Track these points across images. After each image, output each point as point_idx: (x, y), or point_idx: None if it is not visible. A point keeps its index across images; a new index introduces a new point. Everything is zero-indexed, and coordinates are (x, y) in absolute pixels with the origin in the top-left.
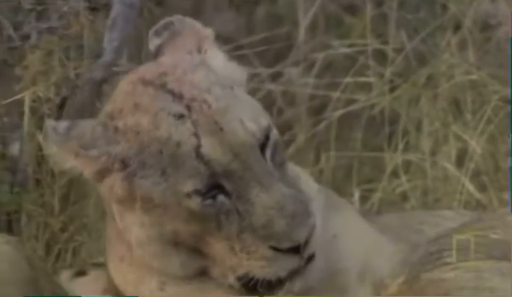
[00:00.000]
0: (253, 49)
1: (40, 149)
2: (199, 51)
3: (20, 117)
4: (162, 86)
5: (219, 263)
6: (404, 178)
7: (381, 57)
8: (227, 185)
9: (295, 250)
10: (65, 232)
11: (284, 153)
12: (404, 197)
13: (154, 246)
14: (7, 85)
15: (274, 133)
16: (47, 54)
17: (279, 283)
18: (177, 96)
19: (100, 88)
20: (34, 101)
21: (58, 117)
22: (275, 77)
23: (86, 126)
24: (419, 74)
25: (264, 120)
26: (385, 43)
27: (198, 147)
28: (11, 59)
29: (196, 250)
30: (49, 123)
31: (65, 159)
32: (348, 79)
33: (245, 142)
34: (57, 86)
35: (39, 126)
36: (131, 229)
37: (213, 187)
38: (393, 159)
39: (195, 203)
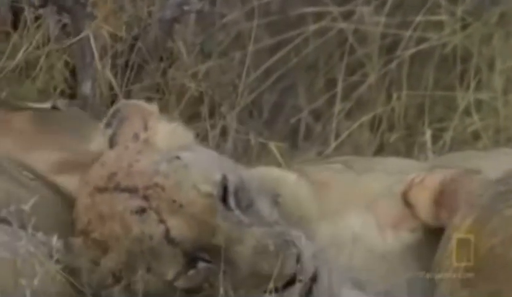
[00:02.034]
0: None
1: (111, 88)
2: (145, 129)
3: (92, 56)
4: (116, 188)
5: None
6: (476, 117)
7: None
8: (204, 255)
9: (291, 282)
10: None
11: (248, 191)
12: (476, 136)
13: None
14: (79, 23)
15: (232, 179)
16: None
17: None
18: (133, 191)
19: (171, 27)
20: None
21: (129, 57)
22: (347, 16)
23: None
24: (491, 12)
25: (217, 173)
26: None
27: (167, 232)
28: None
29: None
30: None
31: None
32: (420, 18)
33: (205, 208)
34: (128, 26)
35: (112, 65)
36: None
37: (192, 261)
38: (465, 98)
39: (182, 284)
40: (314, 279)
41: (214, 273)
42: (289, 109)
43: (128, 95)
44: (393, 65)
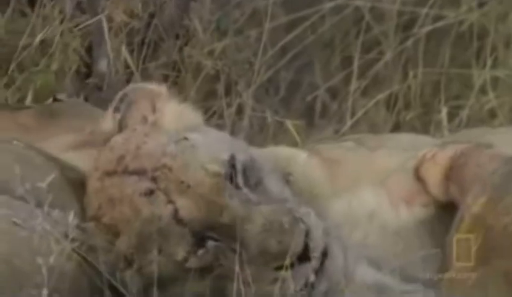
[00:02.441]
0: None
1: (128, 66)
2: (153, 111)
3: (108, 33)
4: (125, 171)
5: None
6: (492, 94)
7: None
8: (213, 234)
9: (301, 258)
10: None
11: (257, 170)
12: (492, 113)
13: None
14: (95, 1)
15: (240, 158)
16: None
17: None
18: (141, 173)
19: (187, 5)
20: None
21: (145, 35)
22: None
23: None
24: None
25: (225, 152)
26: None
27: (175, 213)
28: None
29: None
30: None
31: None
32: None
33: (213, 187)
34: (144, 3)
35: (128, 43)
36: None
37: (201, 240)
38: (481, 75)
39: (192, 264)
40: (324, 255)
41: (224, 252)
42: (305, 87)
43: (144, 73)
44: (409, 43)
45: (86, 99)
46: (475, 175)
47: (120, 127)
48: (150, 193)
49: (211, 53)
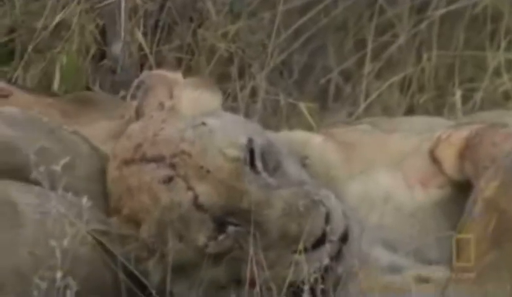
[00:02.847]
0: None
1: (141, 49)
2: (170, 97)
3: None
4: (143, 159)
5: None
6: (506, 77)
7: None
8: (233, 220)
9: (320, 242)
10: None
11: (275, 153)
12: (506, 96)
13: None
14: None
15: (258, 142)
16: None
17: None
18: (159, 160)
19: None
20: None
21: (159, 17)
22: None
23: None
24: None
25: (243, 136)
26: None
27: (195, 199)
28: None
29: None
30: None
31: None
32: None
33: (232, 172)
34: None
35: (142, 25)
36: None
37: (221, 225)
38: (495, 58)
39: (213, 249)
40: (345, 238)
41: (244, 236)
42: (319, 70)
43: (158, 56)
44: (423, 25)
45: (100, 82)
46: (490, 154)
47: (138, 114)
48: (169, 180)
49: (224, 36)
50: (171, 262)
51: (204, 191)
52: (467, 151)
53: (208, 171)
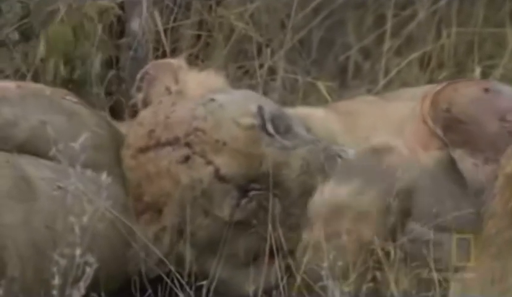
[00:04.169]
0: None
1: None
2: (176, 82)
3: None
4: (157, 144)
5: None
6: None
7: None
8: (255, 185)
9: None
10: None
11: (284, 118)
12: None
13: None
14: None
15: (267, 108)
16: None
17: None
18: (174, 142)
19: None
20: None
21: None
22: None
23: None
24: None
25: (253, 104)
26: None
27: (216, 171)
28: None
29: None
30: None
31: None
32: None
33: (248, 139)
34: None
35: (160, 2)
36: None
37: (245, 192)
38: None
39: (239, 215)
40: None
41: (267, 198)
42: (338, 47)
43: (175, 33)
44: (443, 2)
45: (117, 59)
46: (450, 97)
47: (145, 103)
48: (186, 159)
49: (243, 14)
50: (201, 238)
51: (224, 163)
52: (434, 97)
53: (225, 143)
